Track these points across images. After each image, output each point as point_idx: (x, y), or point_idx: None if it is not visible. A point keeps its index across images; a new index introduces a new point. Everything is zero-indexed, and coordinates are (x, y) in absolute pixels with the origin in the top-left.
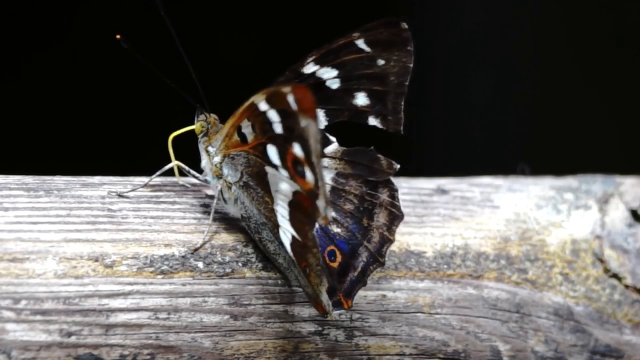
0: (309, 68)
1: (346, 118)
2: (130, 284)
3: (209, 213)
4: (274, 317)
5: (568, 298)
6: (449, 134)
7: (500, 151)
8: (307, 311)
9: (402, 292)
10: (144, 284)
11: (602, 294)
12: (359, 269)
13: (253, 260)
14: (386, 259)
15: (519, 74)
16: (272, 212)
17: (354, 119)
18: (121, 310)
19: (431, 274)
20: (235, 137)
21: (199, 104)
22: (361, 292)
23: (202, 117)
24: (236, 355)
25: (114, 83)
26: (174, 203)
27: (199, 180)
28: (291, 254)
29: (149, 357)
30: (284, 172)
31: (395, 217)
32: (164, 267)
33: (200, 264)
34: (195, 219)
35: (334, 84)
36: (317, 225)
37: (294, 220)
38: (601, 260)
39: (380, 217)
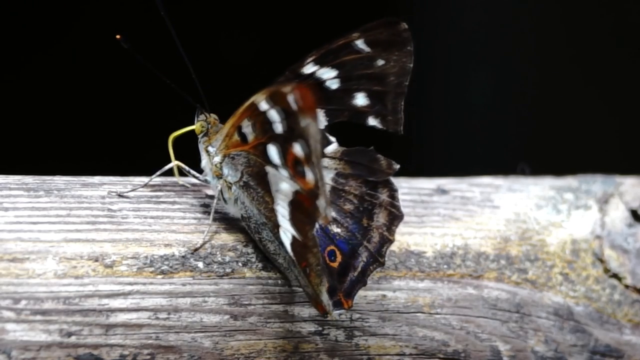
0: (309, 68)
1: (346, 118)
2: (130, 284)
3: (209, 213)
4: (274, 317)
5: (568, 298)
6: (449, 134)
7: (500, 151)
8: (307, 311)
9: (402, 292)
10: (144, 284)
11: (602, 294)
12: (359, 269)
13: (253, 260)
14: (386, 259)
15: (519, 74)
16: (273, 212)
17: (353, 119)
18: (121, 310)
19: (431, 274)
20: (236, 137)
21: (199, 104)
22: (361, 292)
23: (202, 117)
24: (236, 355)
25: (114, 83)
26: (174, 203)
27: (199, 180)
28: (291, 253)
29: (149, 357)
30: (284, 172)
31: (395, 217)
32: (164, 267)
33: (200, 264)
34: (195, 219)
35: (334, 84)
36: (317, 225)
37: (294, 220)
38: (601, 260)
39: (380, 217)
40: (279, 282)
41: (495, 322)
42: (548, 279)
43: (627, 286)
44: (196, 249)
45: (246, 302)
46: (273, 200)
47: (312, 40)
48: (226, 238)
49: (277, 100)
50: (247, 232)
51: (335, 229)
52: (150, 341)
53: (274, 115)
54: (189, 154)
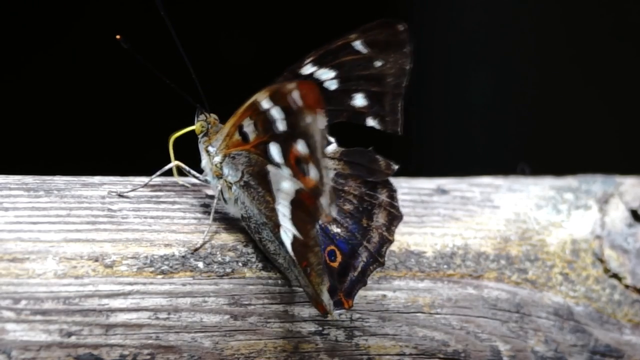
0: (308, 69)
1: (345, 119)
2: (130, 284)
3: (209, 213)
4: (274, 317)
5: (568, 298)
6: (449, 134)
7: (500, 151)
8: (307, 311)
9: (402, 292)
10: (144, 284)
11: (602, 294)
12: (359, 268)
13: (253, 260)
14: (386, 259)
15: (519, 74)
16: (273, 211)
17: (352, 120)
18: (121, 310)
19: (431, 274)
20: (236, 137)
21: (199, 104)
22: (361, 292)
23: (202, 117)
24: (236, 355)
25: (114, 83)
26: (174, 203)
27: (199, 180)
28: (292, 253)
29: (149, 357)
30: (286, 171)
31: (394, 217)
32: (164, 267)
33: (200, 264)
34: (195, 219)
35: (332, 85)
36: (317, 225)
37: (295, 219)
38: (601, 260)
39: (380, 218)
40: (279, 282)
41: (495, 322)
42: (548, 279)
43: (627, 286)
44: (196, 249)
45: (246, 302)
46: (274, 199)
47: (312, 40)
48: (226, 238)
49: (280, 97)
50: (247, 232)
51: (335, 229)
52: (150, 341)
53: (276, 113)
54: (189, 154)
